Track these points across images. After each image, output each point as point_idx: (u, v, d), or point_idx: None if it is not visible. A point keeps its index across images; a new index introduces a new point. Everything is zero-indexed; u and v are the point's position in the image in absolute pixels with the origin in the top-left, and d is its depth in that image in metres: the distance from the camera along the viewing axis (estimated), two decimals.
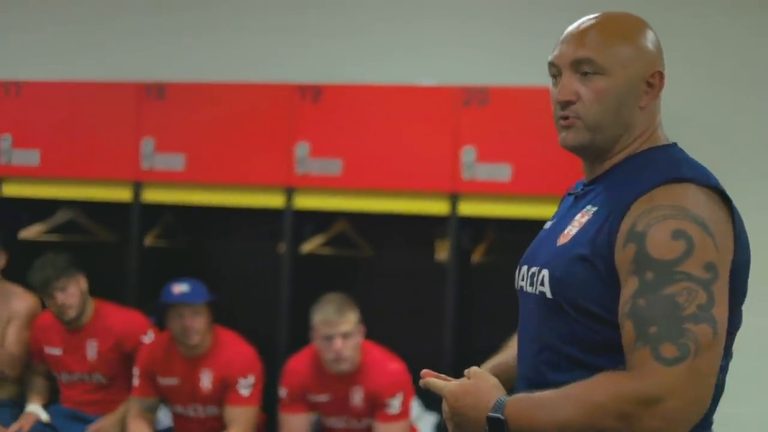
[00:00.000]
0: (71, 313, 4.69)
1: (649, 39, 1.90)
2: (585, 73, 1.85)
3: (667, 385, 1.66)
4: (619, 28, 1.88)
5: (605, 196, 1.84)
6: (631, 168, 1.86)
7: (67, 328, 4.78)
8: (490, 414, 1.77)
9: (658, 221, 1.73)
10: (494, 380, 1.85)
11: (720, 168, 5.11)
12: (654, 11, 4.89)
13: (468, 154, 4.52)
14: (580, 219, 1.86)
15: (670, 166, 1.82)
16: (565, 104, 1.87)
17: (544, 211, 4.35)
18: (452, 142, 4.54)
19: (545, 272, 1.86)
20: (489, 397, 1.80)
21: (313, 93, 4.71)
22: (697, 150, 5.06)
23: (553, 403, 1.73)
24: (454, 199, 4.54)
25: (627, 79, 1.85)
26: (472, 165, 4.51)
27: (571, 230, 1.86)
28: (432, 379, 1.92)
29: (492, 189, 4.49)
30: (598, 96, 1.84)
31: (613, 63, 1.84)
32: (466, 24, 5.23)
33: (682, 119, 4.82)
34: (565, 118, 1.87)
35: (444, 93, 4.61)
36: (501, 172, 4.48)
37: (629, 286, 1.72)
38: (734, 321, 1.83)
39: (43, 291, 4.68)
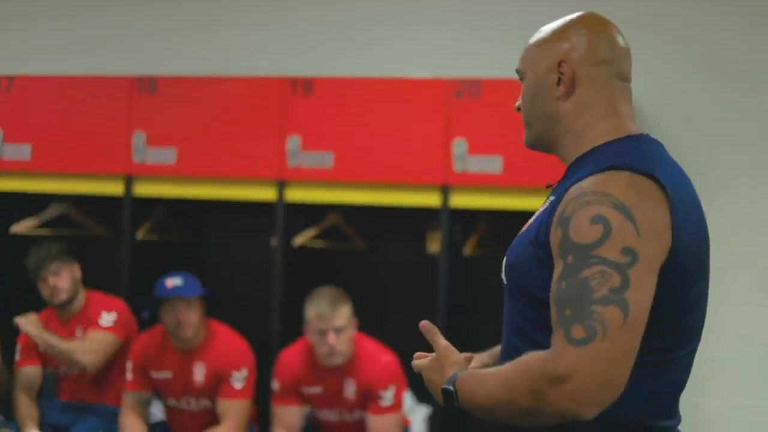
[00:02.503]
0: (62, 296, 4.73)
1: (563, 33, 1.97)
2: (521, 80, 2.04)
3: (573, 365, 1.70)
4: (539, 34, 2.02)
5: (560, 186, 1.91)
6: (586, 159, 1.92)
7: (61, 319, 4.80)
8: (443, 385, 1.89)
9: (582, 207, 1.78)
10: (456, 357, 1.96)
11: (714, 158, 5.14)
12: (647, 5, 4.93)
13: (459, 146, 4.52)
14: (540, 209, 1.94)
15: (614, 155, 1.87)
16: (518, 111, 2.06)
17: (536, 203, 4.34)
18: (444, 135, 4.55)
19: (504, 259, 1.96)
20: (448, 372, 1.92)
21: (305, 86, 4.72)
22: (691, 140, 5.08)
23: (488, 379, 1.83)
24: (445, 191, 4.55)
25: (535, 76, 1.99)
26: (464, 157, 4.52)
27: (531, 219, 1.95)
28: (415, 362, 2.04)
29: (483, 181, 4.50)
30: (522, 97, 2.02)
31: (526, 66, 2.01)
32: (458, 16, 5.23)
33: (677, 111, 4.85)
34: None
35: (436, 85, 4.61)
36: (492, 164, 4.49)
37: (557, 271, 1.79)
38: (687, 304, 1.86)
39: (36, 273, 4.73)
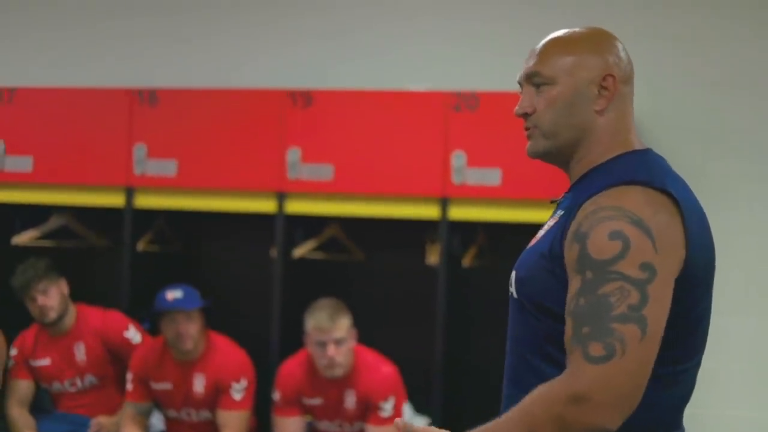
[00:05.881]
0: (52, 315, 4.73)
1: (603, 47, 1.97)
2: (538, 86, 1.96)
3: (593, 383, 1.72)
4: (568, 41, 1.98)
5: (570, 201, 1.91)
6: (597, 173, 1.92)
7: (53, 335, 4.80)
8: None
9: (599, 222, 1.79)
10: None
11: (709, 168, 5.16)
12: (645, 16, 4.95)
13: (458, 158, 4.55)
14: (549, 223, 1.94)
15: (626, 170, 1.88)
16: (524, 117, 1.98)
17: (534, 215, 4.41)
18: (442, 147, 4.57)
19: (513, 273, 1.95)
20: None
21: (305, 98, 4.74)
22: (686, 150, 5.08)
23: (500, 428, 1.81)
24: (444, 203, 4.57)
25: (574, 85, 1.94)
26: (462, 169, 4.54)
27: (540, 233, 1.95)
28: None
29: (482, 193, 4.52)
30: (548, 103, 1.95)
31: (557, 72, 1.94)
32: (457, 29, 5.26)
33: (672, 120, 4.87)
34: (527, 129, 1.98)
35: (434, 98, 4.64)
36: (491, 177, 4.51)
37: (573, 285, 1.79)
38: (696, 316, 1.88)
39: (24, 293, 4.72)
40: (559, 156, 1.99)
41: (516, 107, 1.99)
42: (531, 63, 1.98)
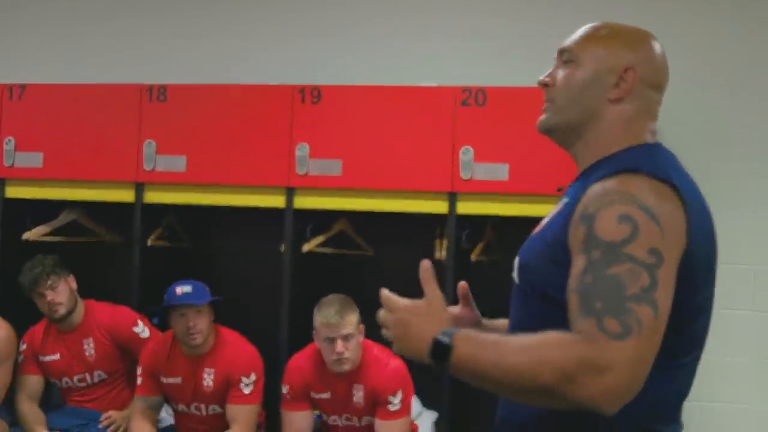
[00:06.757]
0: (61, 311, 4.76)
1: (636, 44, 2.00)
2: (566, 62, 2.01)
3: (612, 359, 1.66)
4: (609, 31, 2.02)
5: (576, 189, 1.92)
6: (605, 163, 1.94)
7: (61, 330, 4.83)
8: (437, 336, 1.81)
9: (607, 205, 1.79)
10: (448, 314, 1.91)
11: (712, 169, 5.15)
12: (646, 15, 4.96)
13: (466, 153, 4.56)
14: (554, 210, 1.96)
15: (630, 159, 1.90)
16: (544, 87, 2.03)
17: (542, 209, 4.40)
18: (451, 142, 4.59)
19: (517, 259, 1.96)
20: (440, 323, 1.86)
21: (313, 94, 4.76)
22: (692, 148, 5.08)
23: (502, 344, 1.76)
24: (452, 198, 4.59)
25: (595, 70, 1.98)
26: (471, 164, 4.55)
27: (545, 220, 1.97)
28: (389, 294, 1.98)
29: (490, 188, 4.53)
30: (567, 80, 2.00)
31: (586, 55, 1.99)
32: (465, 25, 5.27)
33: (676, 119, 4.88)
34: (546, 102, 2.03)
35: (442, 93, 4.65)
36: (499, 172, 4.52)
37: (578, 265, 1.77)
38: (696, 308, 1.88)
39: (32, 290, 4.74)
40: (565, 135, 2.02)
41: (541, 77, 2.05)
42: (569, 39, 2.03)
